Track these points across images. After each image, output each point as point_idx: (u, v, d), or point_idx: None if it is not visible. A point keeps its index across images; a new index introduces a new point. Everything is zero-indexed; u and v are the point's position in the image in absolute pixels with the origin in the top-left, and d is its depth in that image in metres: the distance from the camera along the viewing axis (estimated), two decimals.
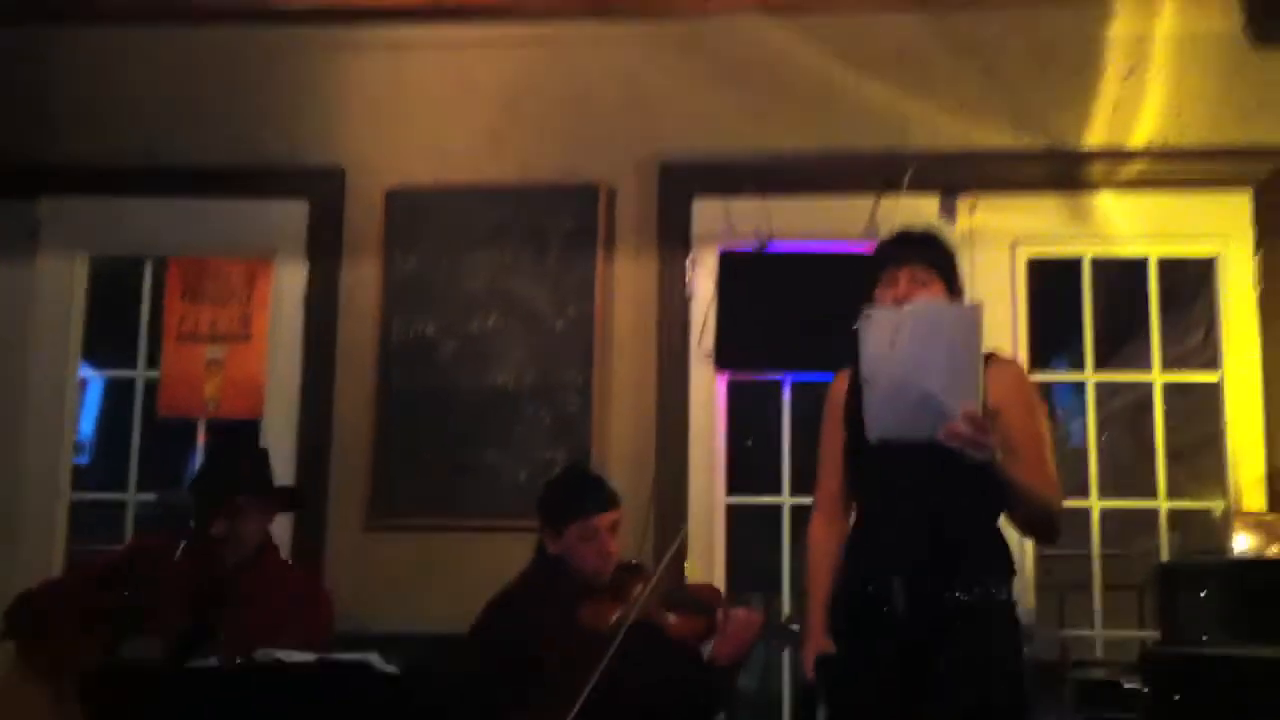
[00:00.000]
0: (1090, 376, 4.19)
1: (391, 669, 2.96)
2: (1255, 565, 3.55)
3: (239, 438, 4.12)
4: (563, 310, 4.16)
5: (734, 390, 4.20)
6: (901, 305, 2.96)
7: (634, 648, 3.16)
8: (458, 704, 3.22)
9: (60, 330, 4.31)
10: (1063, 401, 4.52)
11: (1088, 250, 4.17)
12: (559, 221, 4.19)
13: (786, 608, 3.86)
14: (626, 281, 4.19)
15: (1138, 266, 4.17)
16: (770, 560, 4.12)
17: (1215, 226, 4.11)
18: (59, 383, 4.28)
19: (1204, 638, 3.23)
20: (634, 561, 3.41)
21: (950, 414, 2.73)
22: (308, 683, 2.93)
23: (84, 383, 4.38)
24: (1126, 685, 3.30)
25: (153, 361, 4.33)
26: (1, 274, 4.32)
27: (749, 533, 4.17)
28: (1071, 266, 4.17)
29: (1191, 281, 4.33)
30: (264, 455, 3.62)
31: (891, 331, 2.82)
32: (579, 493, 3.41)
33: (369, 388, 4.17)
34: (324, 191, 4.28)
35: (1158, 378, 4.14)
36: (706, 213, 4.21)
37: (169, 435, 4.30)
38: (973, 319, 2.78)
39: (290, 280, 4.28)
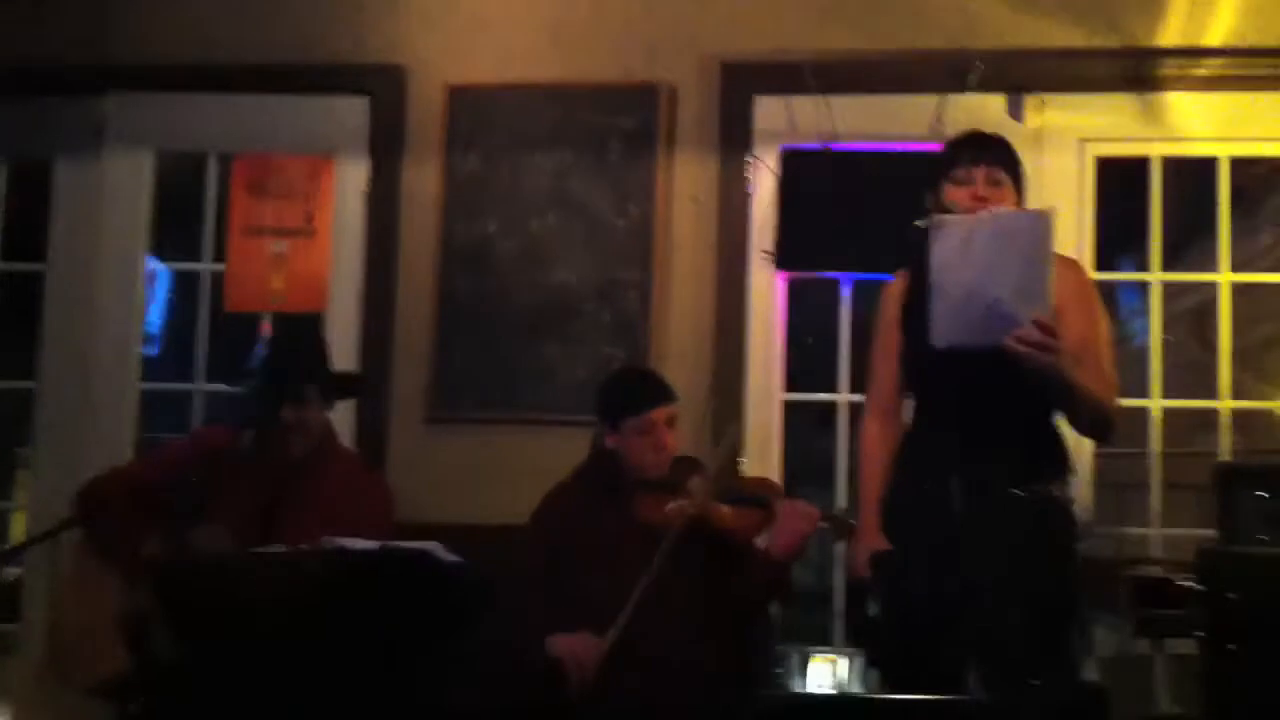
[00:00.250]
0: (1156, 276, 4.13)
1: (453, 559, 3.01)
2: None
3: (300, 328, 4.16)
4: (623, 210, 4.15)
5: (793, 289, 4.20)
6: (977, 205, 2.96)
7: (690, 541, 3.20)
8: (516, 595, 3.28)
9: (127, 224, 4.35)
10: (1128, 301, 4.48)
11: (1158, 149, 4.10)
12: (620, 121, 4.17)
13: (842, 502, 3.88)
14: (687, 181, 4.17)
15: (1208, 166, 4.10)
16: (826, 456, 4.14)
17: None
18: (127, 275, 4.34)
19: (1262, 538, 3.22)
20: (690, 456, 3.43)
21: (1019, 321, 2.74)
22: (370, 570, 2.98)
23: (152, 275, 4.45)
24: (1182, 583, 3.30)
25: (218, 255, 4.38)
26: (69, 169, 4.37)
27: (805, 429, 4.18)
28: (1141, 166, 4.11)
29: (1262, 182, 4.26)
30: (324, 343, 3.66)
31: (963, 238, 2.83)
32: (636, 387, 3.44)
33: (430, 284, 4.19)
34: (385, 89, 4.28)
35: (1225, 278, 4.08)
36: (768, 112, 4.16)
37: (236, 327, 4.35)
38: (1044, 225, 2.79)
39: (353, 176, 4.30)
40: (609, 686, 3.11)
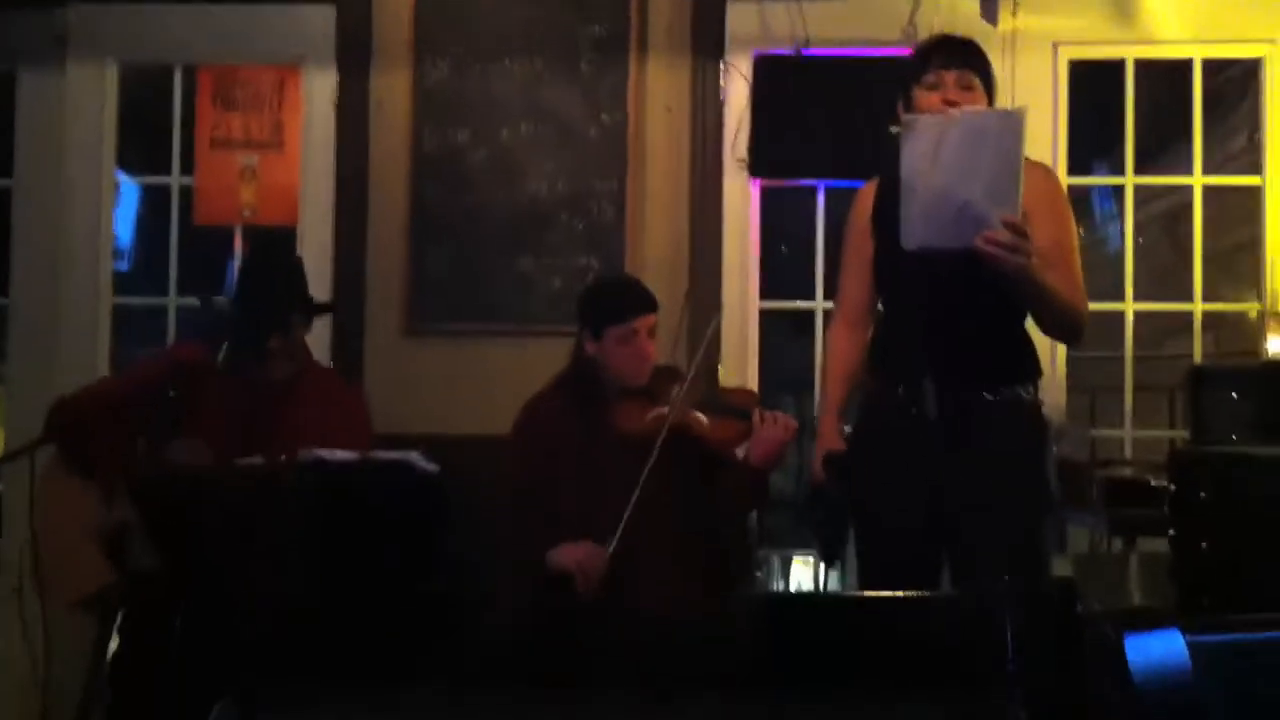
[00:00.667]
0: (1130, 180, 4.15)
1: (432, 467, 3.02)
2: None
3: (276, 250, 4.12)
4: (595, 118, 4.12)
5: (768, 196, 4.19)
6: (947, 109, 2.93)
7: (670, 450, 3.21)
8: (497, 505, 3.29)
9: (93, 137, 4.29)
10: (1102, 205, 4.47)
11: (1131, 51, 4.09)
12: (591, 27, 4.14)
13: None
14: (660, 88, 4.14)
15: (1182, 68, 4.10)
16: (802, 364, 4.16)
17: (1263, 27, 4.01)
18: (94, 189, 4.28)
19: (1233, 438, 3.26)
20: (670, 365, 3.44)
21: (989, 222, 2.73)
22: (350, 481, 2.99)
23: (119, 189, 4.39)
24: (1154, 483, 3.34)
25: (186, 168, 4.32)
26: (33, 81, 4.30)
27: (782, 337, 4.20)
28: (1114, 68, 4.10)
29: (1237, 84, 4.25)
30: (302, 267, 3.64)
31: (935, 139, 2.79)
32: (617, 296, 3.41)
33: (402, 195, 4.17)
34: None
35: (1199, 181, 4.10)
36: (741, 16, 4.14)
37: (207, 241, 4.32)
38: (1017, 125, 2.76)
39: (320, 87, 4.25)
40: (609, 594, 3.13)
